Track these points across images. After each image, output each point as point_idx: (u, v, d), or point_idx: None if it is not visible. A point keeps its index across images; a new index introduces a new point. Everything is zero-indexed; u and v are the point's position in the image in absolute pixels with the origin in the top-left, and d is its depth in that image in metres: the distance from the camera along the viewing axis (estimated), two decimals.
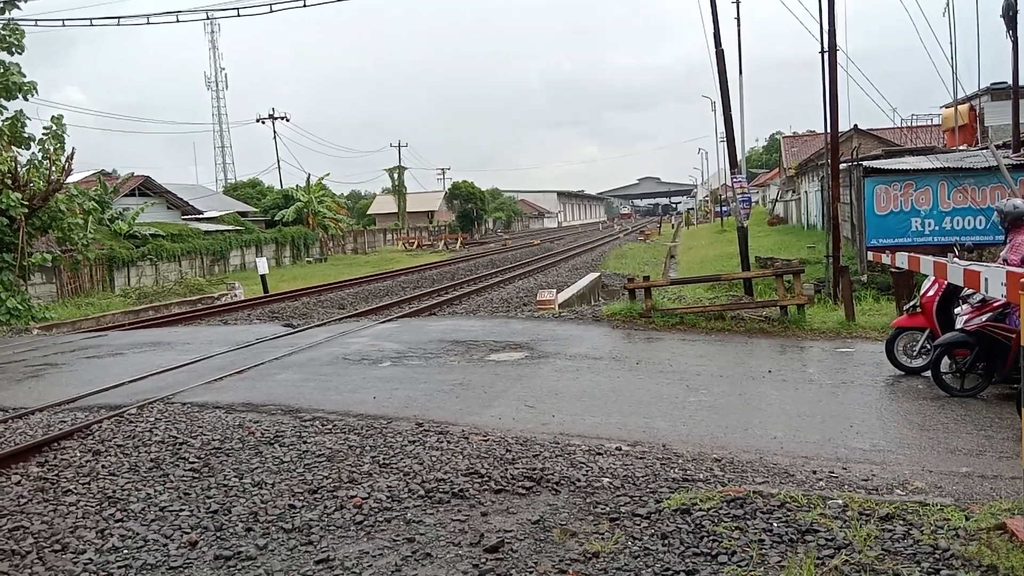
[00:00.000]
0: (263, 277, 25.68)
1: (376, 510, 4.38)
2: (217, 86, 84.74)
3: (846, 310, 10.67)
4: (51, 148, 19.35)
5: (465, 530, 4.04)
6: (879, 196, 16.61)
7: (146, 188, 39.19)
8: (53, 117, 19.62)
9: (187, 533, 4.18)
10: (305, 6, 18.74)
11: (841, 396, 7.00)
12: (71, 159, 19.81)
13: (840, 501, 4.05)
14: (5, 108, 18.60)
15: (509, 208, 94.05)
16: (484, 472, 4.88)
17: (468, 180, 72.91)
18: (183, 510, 4.51)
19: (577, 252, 38.22)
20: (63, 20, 22.24)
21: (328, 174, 52.70)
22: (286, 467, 5.19)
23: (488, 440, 5.63)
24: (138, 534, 4.20)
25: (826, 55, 14.61)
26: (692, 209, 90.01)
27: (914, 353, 7.71)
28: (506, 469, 4.93)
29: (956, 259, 6.94)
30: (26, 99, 18.60)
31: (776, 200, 51.48)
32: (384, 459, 5.25)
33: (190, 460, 5.41)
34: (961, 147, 20.85)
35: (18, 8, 19.06)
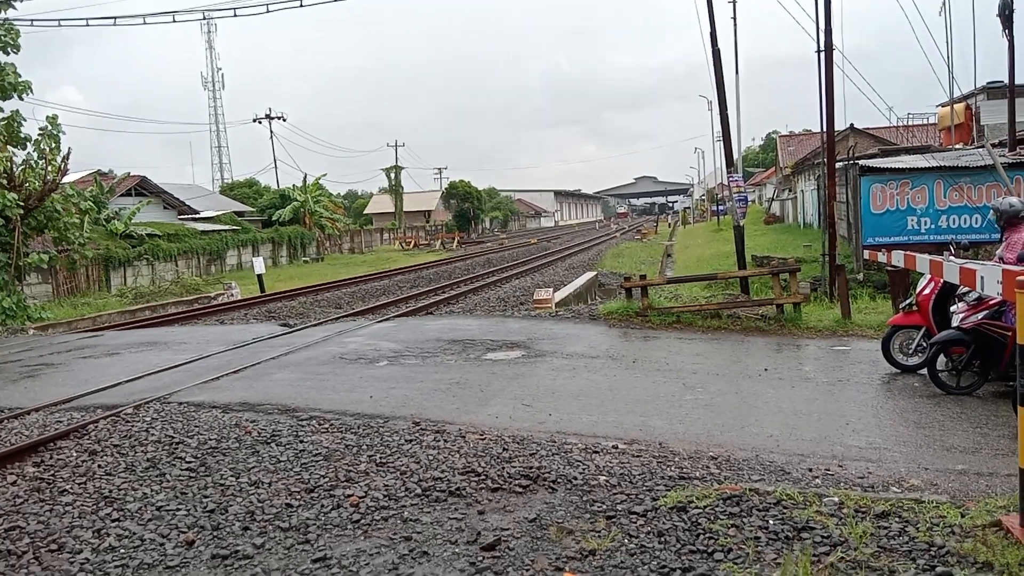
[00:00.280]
0: (260, 277, 25.68)
1: (373, 509, 4.38)
2: (214, 86, 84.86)
3: (842, 308, 10.68)
4: (47, 148, 19.35)
5: (462, 528, 4.05)
6: (875, 195, 16.66)
7: (142, 188, 39.19)
8: (49, 117, 19.62)
9: (184, 532, 4.18)
10: (302, 6, 18.74)
11: (837, 394, 7.01)
12: (67, 159, 19.80)
13: (836, 499, 4.06)
14: (1, 108, 18.59)
15: (506, 207, 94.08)
16: (481, 471, 4.88)
17: (465, 179, 73.13)
18: (180, 509, 4.50)
19: (574, 251, 38.26)
20: (59, 20, 22.17)
21: (325, 174, 52.59)
22: (283, 466, 5.19)
23: (485, 439, 5.64)
24: (135, 534, 4.20)
25: (822, 54, 14.64)
26: (688, 208, 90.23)
27: (910, 351, 7.73)
28: (503, 468, 4.93)
29: (952, 257, 6.97)
30: (22, 99, 18.58)
31: (772, 199, 51.57)
32: (381, 458, 5.25)
33: (187, 460, 5.40)
34: (957, 146, 20.88)
35: (13, 8, 19.05)
